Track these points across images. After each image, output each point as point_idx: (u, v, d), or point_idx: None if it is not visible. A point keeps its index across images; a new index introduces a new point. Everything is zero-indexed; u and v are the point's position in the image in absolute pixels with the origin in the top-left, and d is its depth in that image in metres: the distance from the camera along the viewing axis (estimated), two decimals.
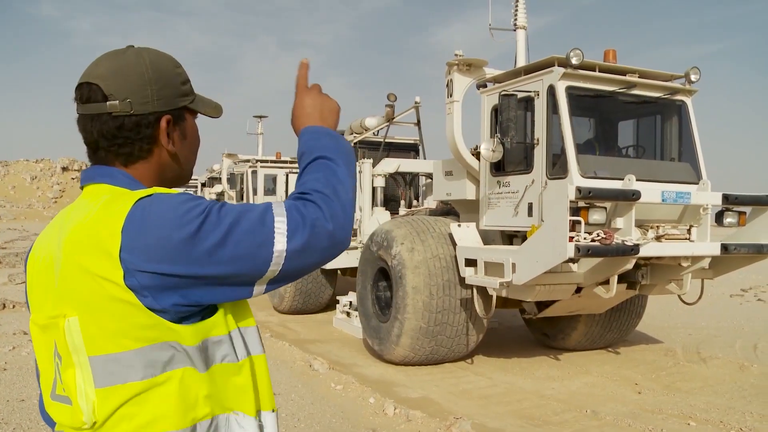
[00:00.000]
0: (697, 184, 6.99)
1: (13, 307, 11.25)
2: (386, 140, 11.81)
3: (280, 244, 1.22)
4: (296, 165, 15.85)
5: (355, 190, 1.38)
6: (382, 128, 11.68)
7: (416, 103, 11.67)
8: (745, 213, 7.04)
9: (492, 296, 7.11)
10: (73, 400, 1.27)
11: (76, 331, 1.24)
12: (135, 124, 1.34)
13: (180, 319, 1.25)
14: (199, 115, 1.50)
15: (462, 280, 7.50)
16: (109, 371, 1.23)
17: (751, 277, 17.45)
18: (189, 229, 1.18)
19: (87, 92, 1.35)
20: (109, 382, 1.23)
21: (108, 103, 1.32)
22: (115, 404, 1.23)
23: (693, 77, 7.33)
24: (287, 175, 15.22)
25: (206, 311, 1.30)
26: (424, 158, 12.14)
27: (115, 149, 1.36)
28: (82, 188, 1.40)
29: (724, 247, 6.62)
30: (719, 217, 6.93)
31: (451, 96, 8.01)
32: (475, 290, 7.47)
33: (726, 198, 6.68)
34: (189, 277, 1.21)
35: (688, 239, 6.69)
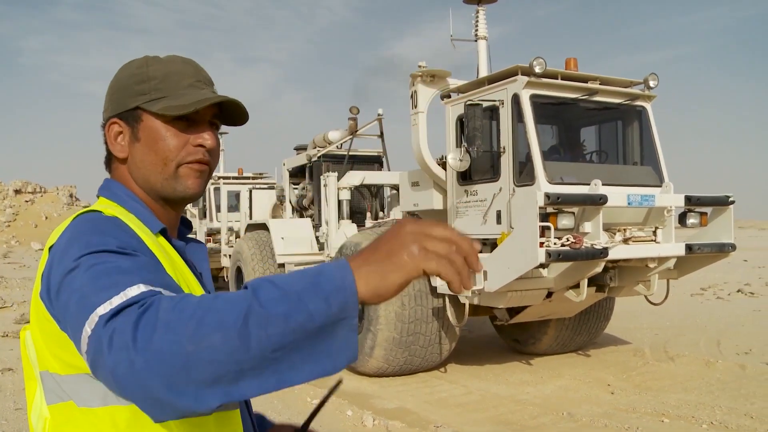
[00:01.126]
0: (660, 186, 7.17)
1: None
2: (350, 153, 11.84)
3: (85, 345, 0.97)
4: (258, 180, 15.71)
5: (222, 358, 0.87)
6: (345, 141, 11.70)
7: (379, 115, 11.74)
8: (706, 213, 7.24)
9: (464, 304, 7.17)
10: (29, 414, 1.25)
11: (30, 345, 1.23)
12: (103, 133, 1.36)
13: None
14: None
15: (433, 289, 7.54)
16: (52, 389, 1.18)
17: (709, 276, 17.88)
18: (60, 274, 1.07)
19: None
20: (54, 401, 1.18)
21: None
22: (57, 423, 1.18)
23: (651, 83, 7.53)
24: (250, 191, 15.13)
25: None
26: (388, 170, 12.19)
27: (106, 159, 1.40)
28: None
29: (689, 247, 6.79)
30: (682, 218, 7.12)
31: (415, 107, 8.08)
32: (446, 299, 7.52)
33: (688, 199, 6.86)
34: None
35: (654, 241, 6.85)
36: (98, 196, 1.36)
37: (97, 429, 1.15)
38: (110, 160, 1.38)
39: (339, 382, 1.53)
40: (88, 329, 0.96)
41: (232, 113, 1.37)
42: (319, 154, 11.66)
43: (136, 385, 0.90)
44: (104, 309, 0.95)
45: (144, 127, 1.31)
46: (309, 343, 0.88)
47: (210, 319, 0.88)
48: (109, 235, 1.14)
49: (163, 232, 1.31)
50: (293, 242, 10.93)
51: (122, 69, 1.36)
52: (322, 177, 10.89)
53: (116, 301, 0.96)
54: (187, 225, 1.50)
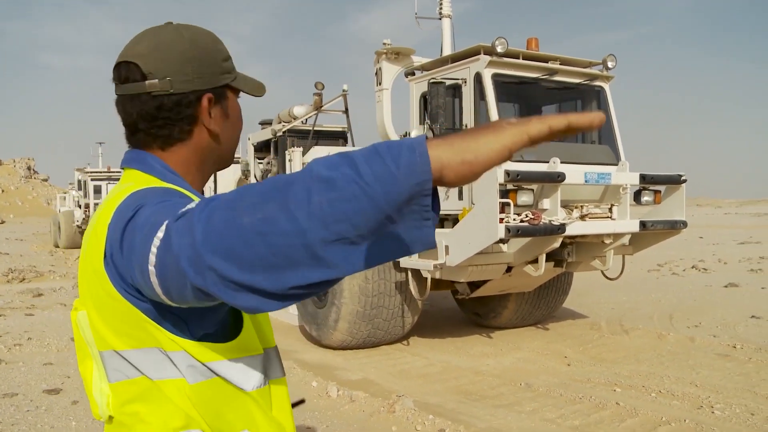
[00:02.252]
0: (617, 165, 7.39)
1: None
2: (315, 128, 11.87)
3: (153, 257, 0.96)
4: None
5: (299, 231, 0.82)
6: (310, 116, 11.73)
7: (344, 91, 11.77)
8: (660, 191, 7.49)
9: (426, 278, 7.33)
10: (89, 392, 1.26)
11: (86, 325, 1.22)
12: (175, 104, 1.25)
13: (185, 331, 1.15)
14: (241, 94, 1.38)
15: (396, 263, 7.68)
16: (116, 367, 1.19)
17: (666, 253, 18.40)
18: (125, 222, 1.07)
19: (125, 72, 1.26)
20: (118, 378, 1.20)
21: (147, 82, 1.24)
22: (123, 400, 1.20)
23: (610, 64, 7.72)
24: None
25: (220, 332, 1.20)
26: (353, 145, 12.26)
27: (155, 131, 1.27)
28: (123, 169, 1.33)
29: (643, 224, 7.04)
30: (637, 196, 7.35)
31: (380, 84, 8.17)
32: (409, 273, 7.68)
33: (643, 178, 7.09)
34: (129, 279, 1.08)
35: (610, 218, 7.08)
36: (124, 168, 1.32)
37: (169, 400, 1.17)
38: (133, 131, 1.30)
39: (301, 401, 1.69)
40: (156, 241, 0.94)
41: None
42: (284, 129, 11.66)
43: (198, 263, 0.87)
44: (173, 218, 0.94)
45: (230, 104, 1.34)
46: (376, 215, 0.81)
47: (268, 189, 0.86)
48: (170, 194, 1.16)
49: None
50: None
51: (198, 40, 1.30)
52: (287, 152, 10.92)
53: (183, 210, 0.95)
54: None
